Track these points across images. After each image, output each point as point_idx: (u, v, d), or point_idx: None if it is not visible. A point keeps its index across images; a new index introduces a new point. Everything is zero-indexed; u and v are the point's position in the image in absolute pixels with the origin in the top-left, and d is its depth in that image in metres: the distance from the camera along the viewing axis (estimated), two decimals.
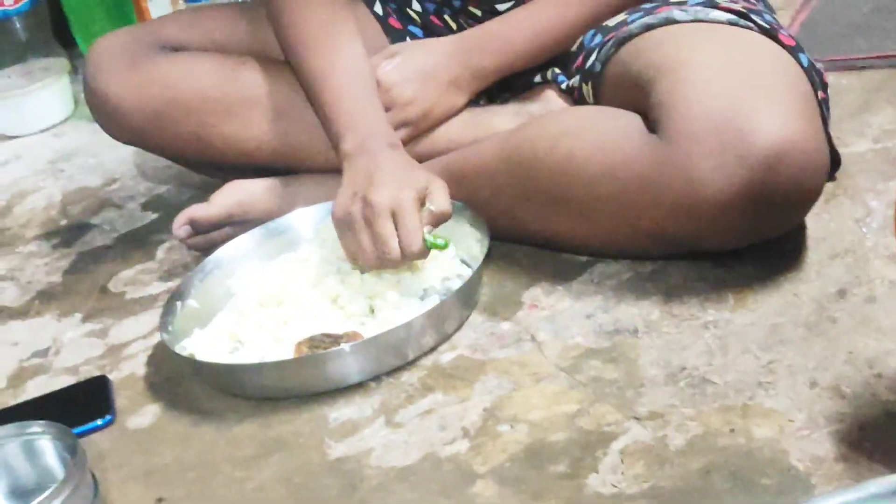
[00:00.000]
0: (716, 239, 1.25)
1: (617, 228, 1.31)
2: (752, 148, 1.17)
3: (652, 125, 1.26)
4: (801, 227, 1.29)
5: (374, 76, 1.45)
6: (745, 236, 1.24)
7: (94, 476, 1.17)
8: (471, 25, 1.53)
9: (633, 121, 1.29)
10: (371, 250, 1.29)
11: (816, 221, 1.28)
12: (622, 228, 1.30)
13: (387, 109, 1.45)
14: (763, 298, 1.22)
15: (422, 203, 1.30)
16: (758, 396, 1.09)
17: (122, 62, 1.59)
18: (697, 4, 1.38)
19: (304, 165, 1.50)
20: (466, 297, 1.32)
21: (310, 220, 1.45)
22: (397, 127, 1.45)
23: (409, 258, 1.29)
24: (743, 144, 1.17)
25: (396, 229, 1.27)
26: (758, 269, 1.25)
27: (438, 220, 1.30)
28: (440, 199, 1.31)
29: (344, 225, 1.32)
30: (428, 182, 1.32)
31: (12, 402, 1.40)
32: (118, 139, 1.67)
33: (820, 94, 1.30)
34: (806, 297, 1.21)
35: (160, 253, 1.65)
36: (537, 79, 1.48)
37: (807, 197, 1.23)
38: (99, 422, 1.31)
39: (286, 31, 1.48)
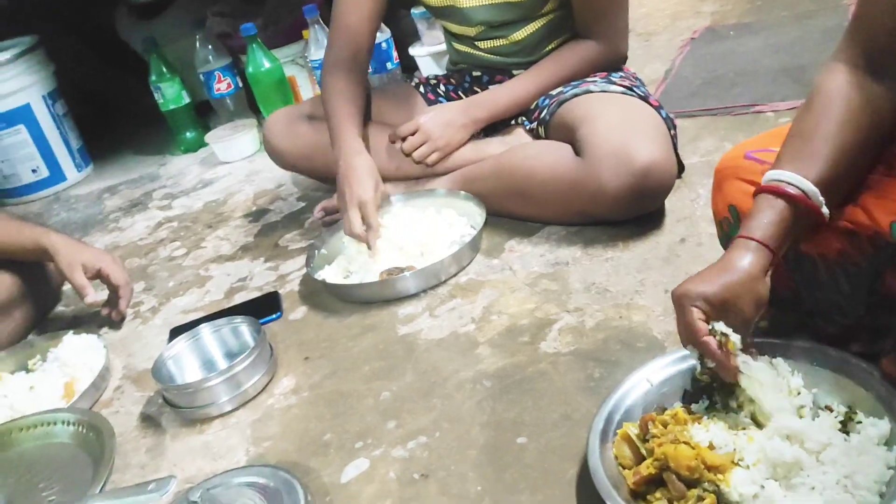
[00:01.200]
0: (613, 215, 1.22)
1: (557, 209, 1.28)
2: (634, 165, 1.15)
3: (577, 152, 1.24)
4: (662, 206, 1.25)
5: (359, 124, 1.42)
6: (629, 213, 1.21)
7: (270, 346, 1.18)
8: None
9: (567, 149, 1.27)
10: (347, 228, 1.31)
11: (669, 202, 1.25)
12: (560, 209, 1.27)
13: (424, 143, 1.41)
14: (638, 245, 1.19)
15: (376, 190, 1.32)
16: (635, 298, 1.07)
17: (283, 126, 1.57)
18: (602, 82, 1.35)
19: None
20: (474, 245, 1.29)
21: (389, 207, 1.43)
22: (431, 153, 1.42)
23: (368, 238, 1.30)
24: (629, 162, 1.15)
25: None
26: (636, 229, 1.22)
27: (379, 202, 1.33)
28: (379, 192, 1.34)
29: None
30: (378, 181, 1.34)
31: (226, 305, 1.40)
32: (282, 167, 1.66)
33: (672, 132, 1.27)
34: (662, 244, 1.18)
35: (305, 225, 1.64)
36: (512, 122, 1.45)
37: (664, 190, 1.20)
38: (273, 316, 1.30)
39: (325, 104, 1.44)
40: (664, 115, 1.28)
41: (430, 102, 1.56)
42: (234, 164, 2.14)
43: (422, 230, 1.35)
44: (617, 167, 1.15)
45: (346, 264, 1.35)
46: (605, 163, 1.16)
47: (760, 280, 0.73)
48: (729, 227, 0.86)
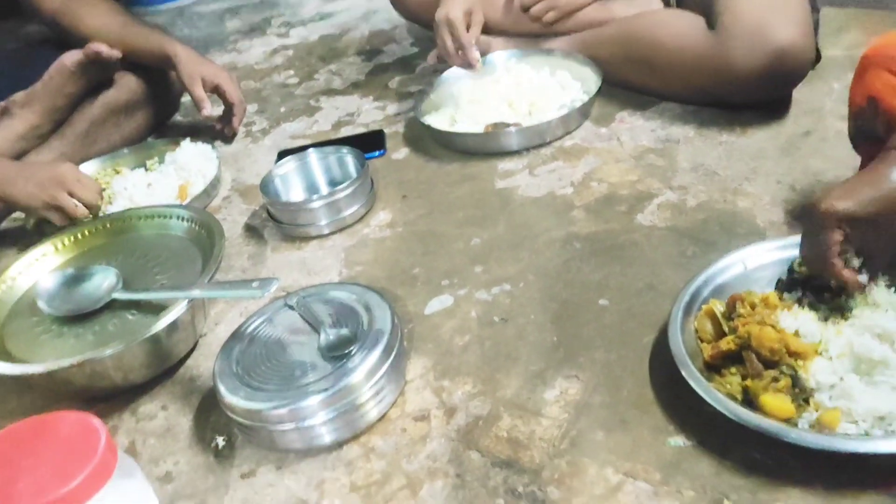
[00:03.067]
0: (738, 97, 1.16)
1: (679, 83, 1.22)
2: (769, 45, 1.07)
3: (710, 25, 1.17)
4: (789, 95, 1.18)
5: None
6: (757, 96, 1.15)
7: (372, 179, 1.20)
8: None
9: (699, 21, 1.19)
10: (440, 48, 1.34)
11: (798, 92, 1.18)
12: (682, 84, 1.22)
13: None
14: (757, 132, 1.14)
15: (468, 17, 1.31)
16: (744, 184, 1.04)
17: None
18: None
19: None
20: (584, 111, 1.27)
21: (502, 59, 1.40)
22: (549, 10, 1.37)
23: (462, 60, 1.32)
24: (764, 42, 1.07)
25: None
26: (758, 115, 1.16)
27: (475, 33, 1.32)
28: (476, 25, 1.32)
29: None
30: (473, 5, 1.32)
31: (333, 136, 1.43)
32: (402, 15, 1.65)
33: (815, 16, 1.18)
34: (783, 134, 1.12)
35: (417, 70, 1.63)
36: None
37: (797, 77, 1.13)
38: (377, 153, 1.33)
39: None
40: None
41: None
42: (353, 0, 2.11)
43: (533, 89, 1.33)
44: (751, 44, 1.08)
45: (453, 112, 1.35)
46: (739, 39, 1.10)
47: None
48: (863, 120, 0.81)
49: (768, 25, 1.08)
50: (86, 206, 1.16)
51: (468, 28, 1.31)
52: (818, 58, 1.20)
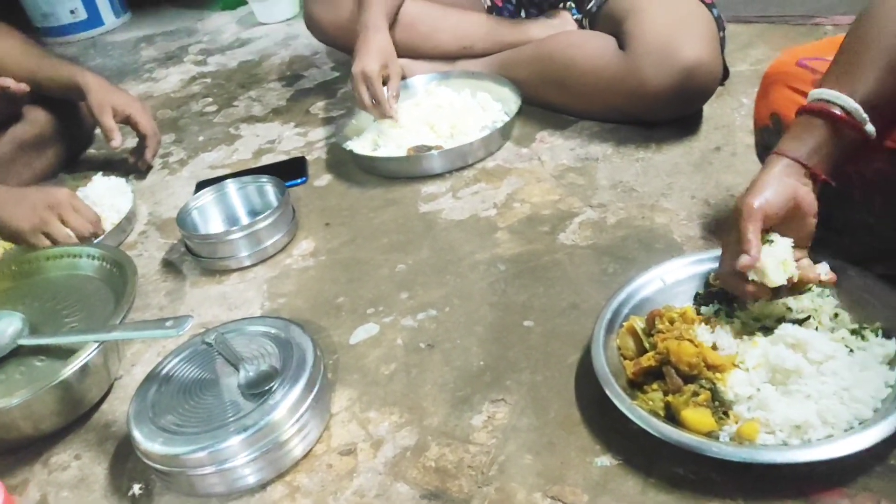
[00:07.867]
0: (650, 114, 1.19)
1: (595, 103, 1.25)
2: (678, 62, 1.10)
3: (622, 46, 1.19)
4: (700, 111, 1.22)
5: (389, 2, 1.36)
6: (668, 113, 1.18)
7: (293, 208, 1.18)
8: None
9: (611, 41, 1.22)
10: (358, 102, 1.30)
11: (709, 108, 1.22)
12: (597, 103, 1.24)
13: None
14: (671, 148, 1.17)
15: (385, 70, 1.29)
16: (661, 200, 1.06)
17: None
18: None
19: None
20: (505, 132, 1.28)
21: (422, 83, 1.40)
22: None
23: (379, 112, 1.29)
24: (673, 60, 1.11)
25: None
26: (671, 131, 1.19)
27: (393, 87, 1.30)
28: (394, 77, 1.30)
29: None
30: (389, 58, 1.30)
31: (254, 165, 1.40)
32: (320, 40, 1.61)
33: (720, 34, 1.22)
34: (696, 149, 1.15)
35: (337, 94, 1.62)
36: (560, 6, 1.40)
37: (706, 94, 1.17)
38: (298, 180, 1.31)
39: None
40: (715, 15, 1.22)
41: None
42: (272, 27, 2.10)
43: (454, 111, 1.33)
44: (660, 63, 1.11)
45: (375, 137, 1.34)
46: (648, 58, 1.12)
47: (803, 190, 0.70)
48: (768, 136, 0.83)
49: (675, 44, 1.11)
50: (78, 238, 1.11)
51: (385, 81, 1.29)
52: (726, 74, 1.24)
